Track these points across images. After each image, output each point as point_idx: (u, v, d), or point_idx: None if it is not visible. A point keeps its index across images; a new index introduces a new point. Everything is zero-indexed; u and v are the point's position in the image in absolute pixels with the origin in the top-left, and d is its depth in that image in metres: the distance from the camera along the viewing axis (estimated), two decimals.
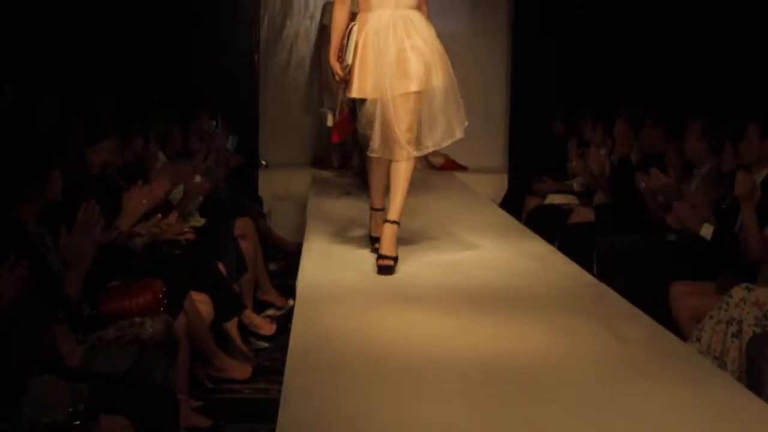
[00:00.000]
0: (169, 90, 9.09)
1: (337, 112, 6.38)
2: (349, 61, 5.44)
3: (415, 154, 5.49)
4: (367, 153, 5.63)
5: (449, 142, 5.60)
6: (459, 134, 5.59)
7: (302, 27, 10.84)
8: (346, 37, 5.48)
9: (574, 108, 9.33)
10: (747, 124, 5.82)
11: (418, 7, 5.55)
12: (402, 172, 5.49)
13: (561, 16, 10.16)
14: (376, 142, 5.47)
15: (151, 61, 9.65)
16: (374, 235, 5.88)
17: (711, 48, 9.80)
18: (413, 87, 5.38)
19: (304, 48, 10.78)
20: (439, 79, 5.44)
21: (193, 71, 9.82)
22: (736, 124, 6.01)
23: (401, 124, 5.39)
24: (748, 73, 9.27)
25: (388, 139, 5.43)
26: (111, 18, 9.68)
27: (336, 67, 5.54)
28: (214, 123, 8.62)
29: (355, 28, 5.49)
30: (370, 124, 5.47)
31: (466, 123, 5.58)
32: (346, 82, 5.54)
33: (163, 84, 9.32)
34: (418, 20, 5.49)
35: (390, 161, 5.53)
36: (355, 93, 5.52)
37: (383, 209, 5.81)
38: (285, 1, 10.89)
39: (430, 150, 5.69)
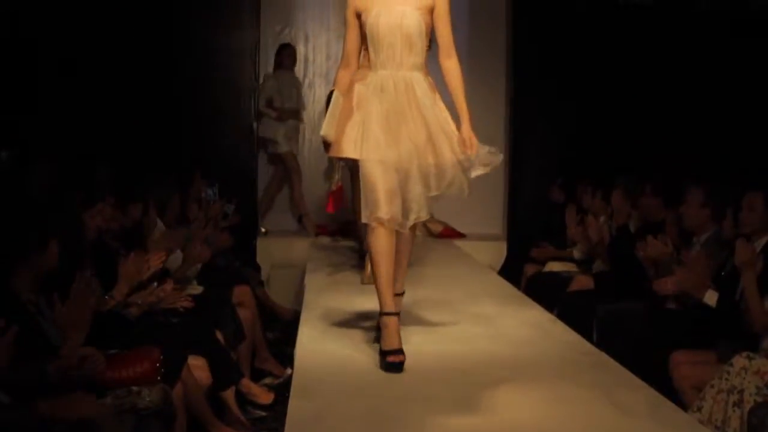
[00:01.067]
0: (168, 157, 9.12)
1: (334, 181, 5.71)
2: (325, 131, 5.13)
3: (423, 217, 5.07)
4: (366, 220, 5.03)
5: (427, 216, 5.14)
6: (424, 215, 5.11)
7: (301, 95, 10.89)
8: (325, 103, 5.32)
9: (573, 175, 9.34)
10: (746, 192, 5.82)
11: (423, 67, 5.14)
12: (408, 241, 5.27)
13: (560, 84, 10.22)
14: (385, 205, 4.93)
15: (151, 128, 9.70)
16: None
17: (710, 116, 9.87)
18: (413, 160, 4.96)
19: (303, 116, 10.80)
20: (433, 155, 5.00)
21: (193, 138, 9.86)
22: (735, 191, 6.01)
23: (413, 190, 4.98)
24: (747, 141, 9.31)
25: (396, 200, 4.95)
26: (111, 84, 9.75)
27: (329, 135, 5.14)
28: (213, 191, 8.63)
29: (335, 95, 5.19)
30: (372, 186, 4.93)
31: (466, 191, 5.12)
32: (328, 144, 5.17)
33: (162, 150, 9.36)
34: (420, 85, 5.09)
35: (396, 233, 5.05)
36: (350, 153, 5.04)
37: (399, 313, 5.15)
38: (286, 16, 10.96)
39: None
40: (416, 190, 4.99)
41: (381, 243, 4.99)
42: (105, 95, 9.72)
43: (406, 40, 5.06)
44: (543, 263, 8.78)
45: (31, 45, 9.56)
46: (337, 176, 5.90)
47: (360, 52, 5.22)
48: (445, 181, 5.04)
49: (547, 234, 9.11)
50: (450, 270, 8.24)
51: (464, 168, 5.08)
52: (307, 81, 10.87)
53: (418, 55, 5.10)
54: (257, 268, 9.37)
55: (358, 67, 5.20)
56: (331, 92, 5.29)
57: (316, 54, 10.94)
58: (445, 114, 5.12)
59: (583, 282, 7.73)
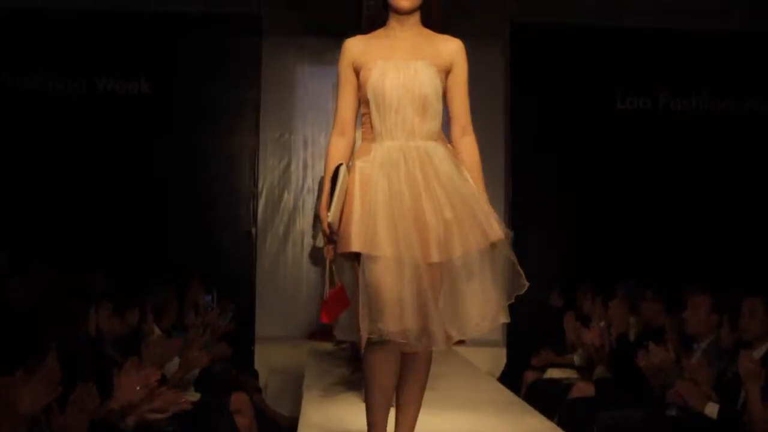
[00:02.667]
0: (166, 263, 9.11)
1: (327, 286, 4.32)
2: (333, 218, 4.03)
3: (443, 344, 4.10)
4: (367, 334, 4.02)
5: (484, 326, 4.24)
6: (502, 318, 4.28)
7: (300, 201, 10.93)
8: (329, 184, 4.07)
9: (572, 280, 9.32)
10: (744, 299, 5.80)
11: (440, 135, 4.21)
12: (421, 371, 4.27)
13: (559, 188, 10.24)
14: (393, 319, 3.93)
15: (148, 232, 9.70)
16: None
17: (711, 222, 9.89)
18: (435, 256, 3.98)
19: (302, 222, 10.83)
20: (462, 245, 4.01)
21: (191, 243, 9.86)
22: (734, 298, 5.99)
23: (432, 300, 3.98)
24: (747, 246, 9.32)
25: (409, 310, 3.94)
26: (109, 188, 9.78)
27: (325, 222, 4.08)
28: (210, 297, 8.60)
29: (343, 170, 4.09)
30: (377, 289, 3.92)
31: (511, 300, 4.33)
32: (334, 242, 4.11)
33: (160, 256, 9.35)
34: (439, 156, 4.11)
35: (401, 355, 4.15)
36: (355, 247, 3.98)
37: None
38: (283, 176, 10.99)
39: (454, 339, 4.27)
40: (436, 297, 3.99)
41: (382, 366, 4.06)
42: (102, 199, 9.75)
43: (419, 103, 4.09)
44: (543, 370, 8.72)
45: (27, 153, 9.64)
46: (334, 279, 4.31)
47: (357, 118, 4.29)
48: (474, 283, 4.06)
49: (547, 339, 9.06)
50: (449, 376, 8.16)
51: (500, 255, 4.18)
52: (306, 187, 10.92)
53: (434, 120, 4.14)
54: (255, 374, 9.30)
55: (355, 136, 4.30)
56: (337, 169, 4.11)
57: (315, 160, 10.99)
58: (471, 187, 4.12)
59: (583, 389, 7.66)
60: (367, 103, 4.16)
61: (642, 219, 10.14)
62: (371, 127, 4.16)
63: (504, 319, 4.24)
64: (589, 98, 10.35)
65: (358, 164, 4.11)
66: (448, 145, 4.21)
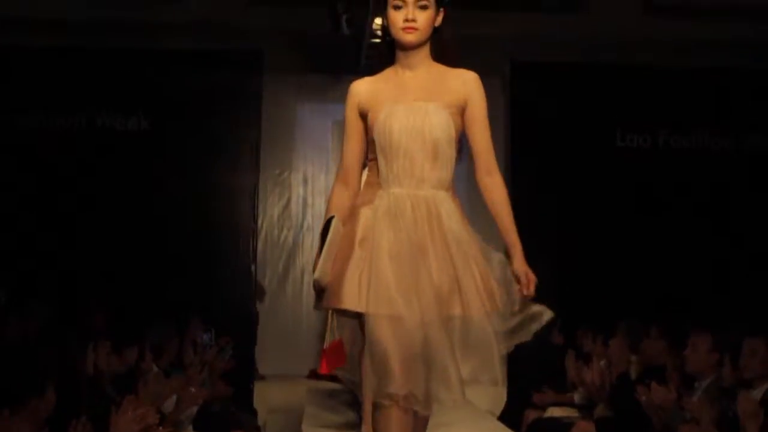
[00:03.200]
0: (165, 300, 9.08)
1: (327, 334, 4.10)
2: (320, 274, 3.81)
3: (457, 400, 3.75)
4: (376, 398, 3.73)
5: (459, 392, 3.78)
6: (500, 382, 3.99)
7: (300, 238, 10.92)
8: (319, 239, 3.84)
9: (573, 318, 9.29)
10: (745, 338, 5.79)
11: (451, 185, 3.91)
12: (421, 426, 3.87)
13: (560, 225, 10.23)
14: (399, 382, 3.65)
15: (146, 268, 9.67)
16: None
17: (712, 260, 9.87)
18: (438, 312, 3.71)
19: (302, 259, 10.81)
20: (460, 307, 3.74)
21: (190, 280, 9.82)
22: (735, 337, 5.97)
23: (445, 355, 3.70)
24: (749, 285, 9.31)
25: (415, 370, 3.66)
26: (108, 223, 9.76)
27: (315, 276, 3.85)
28: (209, 335, 8.57)
29: (334, 224, 3.84)
30: (383, 351, 3.65)
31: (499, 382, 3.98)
32: (322, 291, 3.86)
33: (158, 293, 9.32)
34: (446, 209, 3.83)
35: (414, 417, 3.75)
36: (353, 304, 3.73)
37: None
38: (282, 213, 10.99)
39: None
40: (443, 357, 3.69)
41: (395, 429, 3.68)
42: (101, 236, 9.73)
43: (430, 148, 3.81)
44: (544, 408, 8.67)
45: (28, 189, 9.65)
46: (334, 330, 4.07)
47: (363, 165, 4.02)
48: (470, 346, 3.76)
49: (548, 378, 9.01)
50: (449, 416, 8.11)
51: (499, 325, 3.88)
52: (305, 224, 10.91)
53: (445, 168, 3.85)
54: (254, 413, 9.24)
55: (360, 186, 4.00)
56: (328, 222, 3.88)
57: (315, 197, 11.00)
58: (477, 248, 3.84)
59: (584, 428, 7.62)
60: (373, 148, 3.87)
61: (642, 256, 10.11)
62: (378, 172, 3.86)
63: (500, 382, 3.99)
64: (589, 136, 10.36)
65: (363, 212, 3.83)
66: (457, 198, 3.91)
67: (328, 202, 3.99)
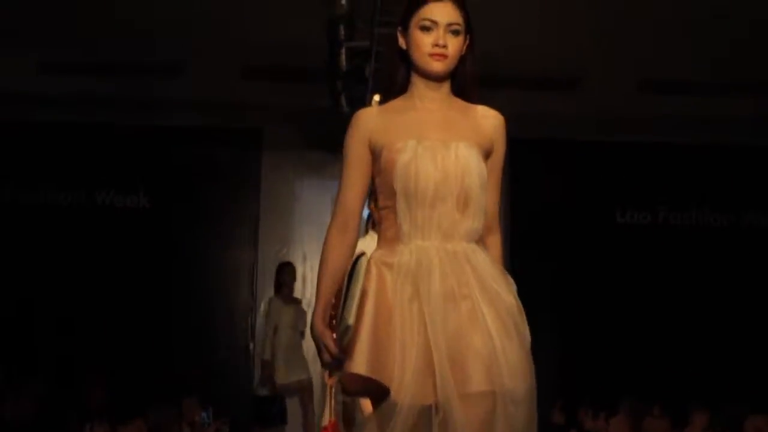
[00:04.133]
0: (163, 377, 9.02)
1: (325, 410, 3.70)
2: (350, 321, 3.16)
3: None
4: None
5: None
6: None
7: None
8: (345, 280, 3.25)
9: (574, 397, 9.22)
10: (747, 416, 5.74)
11: (481, 238, 3.29)
12: None
13: (560, 302, 10.19)
14: None
15: (145, 346, 9.62)
16: None
17: (712, 337, 9.83)
18: (475, 384, 3.06)
19: None
20: (517, 376, 3.13)
21: (188, 358, 9.77)
22: (736, 413, 5.93)
23: None
24: (752, 362, 9.25)
25: None
26: (107, 301, 9.74)
27: (325, 336, 3.22)
28: (207, 414, 8.50)
29: (363, 262, 3.25)
30: None
31: None
32: (340, 362, 3.21)
33: (157, 371, 9.26)
34: (482, 263, 3.24)
35: None
36: (361, 368, 3.09)
37: None
38: (284, 235, 10.98)
39: None
40: None
41: None
42: (100, 313, 9.69)
43: (461, 196, 3.21)
44: None
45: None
46: (332, 408, 3.80)
47: (363, 209, 3.41)
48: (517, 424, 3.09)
49: None
50: None
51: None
52: (305, 301, 10.85)
53: (476, 217, 3.24)
54: None
55: (358, 234, 3.40)
56: (356, 262, 3.30)
57: (314, 274, 10.92)
58: (517, 310, 3.27)
59: None
60: (390, 193, 3.22)
61: (643, 333, 10.06)
62: (395, 223, 3.22)
63: None
64: (589, 212, 10.37)
65: (381, 271, 3.18)
66: (487, 251, 3.31)
67: (325, 252, 3.29)
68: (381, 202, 3.28)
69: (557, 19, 8.05)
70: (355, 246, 3.31)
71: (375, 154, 3.27)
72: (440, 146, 3.22)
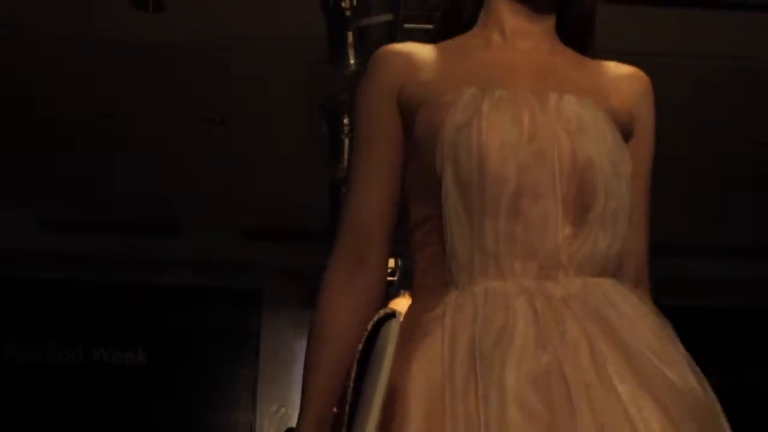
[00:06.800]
0: None
1: None
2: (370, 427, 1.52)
3: None
4: None
5: None
6: None
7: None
8: (355, 364, 1.60)
9: None
10: None
11: (621, 265, 1.69)
12: None
13: None
14: None
15: None
16: None
17: None
18: None
19: None
20: None
21: None
22: None
23: None
24: None
25: None
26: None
27: None
28: None
29: (393, 330, 1.59)
30: None
31: None
32: None
33: None
34: (634, 314, 1.61)
35: None
36: None
37: None
38: (284, 396, 10.84)
39: None
40: None
41: None
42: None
43: (575, 188, 1.65)
44: None
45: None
46: None
47: (391, 230, 1.80)
48: None
49: None
50: None
51: None
52: None
53: (616, 228, 1.67)
54: None
55: (385, 269, 1.81)
56: (376, 328, 1.63)
57: None
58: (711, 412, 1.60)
59: None
60: (431, 192, 1.67)
61: None
62: (441, 251, 1.66)
63: None
64: None
65: (417, 362, 1.58)
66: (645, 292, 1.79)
67: (320, 311, 1.81)
68: (415, 214, 1.73)
69: None
70: (375, 296, 1.76)
71: (408, 120, 1.75)
72: (528, 99, 1.68)
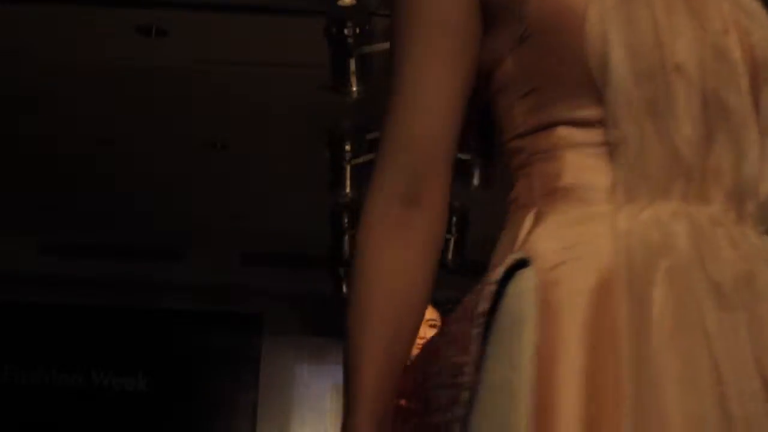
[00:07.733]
0: None
1: None
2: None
3: None
4: None
5: None
6: None
7: None
8: (476, 326, 1.12)
9: None
10: None
11: None
12: None
13: None
14: None
15: None
16: None
17: None
18: None
19: None
20: None
21: None
22: None
23: None
24: None
25: None
26: None
27: None
28: None
29: (526, 287, 1.10)
30: None
31: None
32: None
33: None
34: None
35: None
36: None
37: None
38: (283, 420, 10.77)
39: None
40: None
41: None
42: None
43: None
44: None
45: None
46: None
47: (454, 157, 1.29)
48: None
49: None
50: None
51: None
52: None
53: None
54: None
55: (446, 208, 1.28)
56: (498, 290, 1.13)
57: None
58: None
59: None
60: (569, 90, 1.22)
61: None
62: (593, 163, 1.21)
63: None
64: None
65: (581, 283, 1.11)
66: None
67: (362, 266, 1.28)
68: (525, 122, 1.28)
69: None
70: (439, 241, 1.29)
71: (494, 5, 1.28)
72: None
